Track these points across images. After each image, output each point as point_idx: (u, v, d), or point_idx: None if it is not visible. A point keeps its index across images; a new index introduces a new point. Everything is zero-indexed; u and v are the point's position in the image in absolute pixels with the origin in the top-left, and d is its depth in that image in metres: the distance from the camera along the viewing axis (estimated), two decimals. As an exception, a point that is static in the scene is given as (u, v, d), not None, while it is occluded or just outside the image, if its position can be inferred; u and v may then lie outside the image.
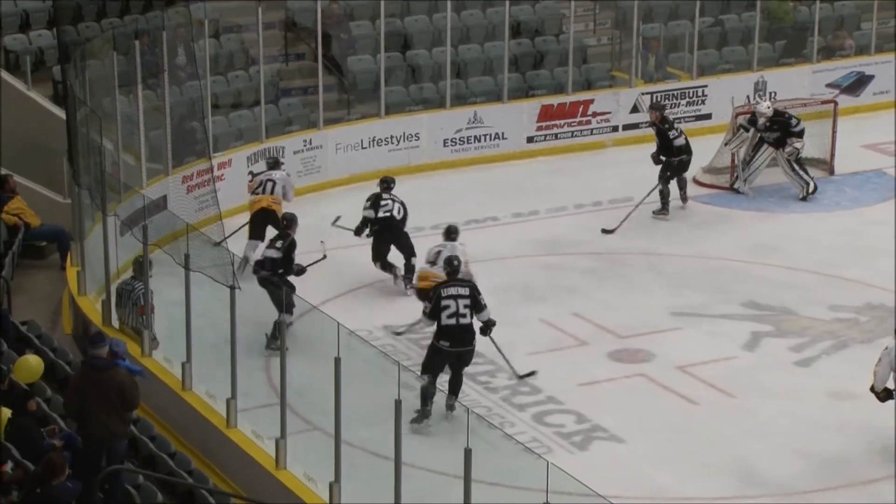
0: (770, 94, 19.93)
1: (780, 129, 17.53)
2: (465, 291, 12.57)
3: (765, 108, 17.57)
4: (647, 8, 20.51)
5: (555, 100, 19.47)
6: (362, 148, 18.48)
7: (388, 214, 15.25)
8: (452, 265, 12.96)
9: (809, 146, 18.19)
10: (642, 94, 19.69)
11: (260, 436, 11.45)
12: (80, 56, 14.97)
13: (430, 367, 12.48)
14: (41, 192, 16.79)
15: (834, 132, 18.47)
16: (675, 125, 17.28)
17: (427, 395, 12.20)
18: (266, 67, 17.98)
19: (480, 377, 13.39)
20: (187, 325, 12.25)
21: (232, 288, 11.39)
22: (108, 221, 13.66)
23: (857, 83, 20.59)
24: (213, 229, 13.38)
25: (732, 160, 18.02)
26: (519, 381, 13.28)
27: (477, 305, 12.56)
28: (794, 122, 17.59)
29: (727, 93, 19.67)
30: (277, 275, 13.54)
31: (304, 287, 13.83)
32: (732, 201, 17.45)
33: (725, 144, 17.93)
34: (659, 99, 19.56)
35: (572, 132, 19.51)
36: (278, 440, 11.05)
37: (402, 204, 15.36)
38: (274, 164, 16.27)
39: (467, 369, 13.36)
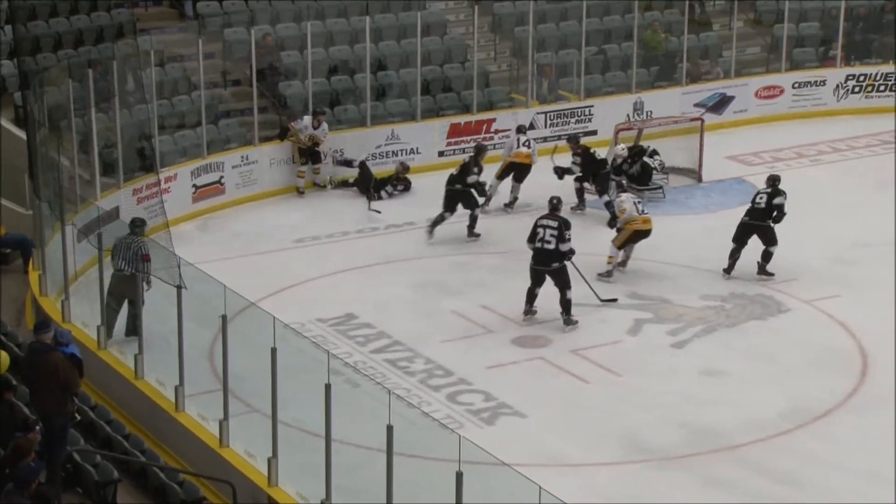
0: (647, 112, 20.06)
1: (640, 160, 17.74)
2: (554, 224, 13.81)
3: (620, 150, 17.68)
4: (540, 38, 20.56)
5: (462, 119, 19.42)
6: (293, 162, 18.31)
7: None
8: (552, 203, 14.19)
9: (680, 158, 18.33)
10: (537, 113, 19.75)
11: (205, 418, 11.26)
12: (38, 83, 14.68)
13: (530, 278, 13.91)
14: (6, 205, 16.37)
15: (701, 145, 18.59)
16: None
17: (528, 298, 13.95)
18: (206, 92, 17.72)
19: (400, 363, 13.30)
20: (139, 321, 12.01)
21: (178, 287, 11.21)
22: (66, 230, 13.38)
23: (720, 103, 20.76)
24: (161, 236, 13.17)
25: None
26: (602, 304, 14.24)
27: (561, 237, 13.69)
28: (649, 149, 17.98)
29: (611, 111, 19.75)
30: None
31: (244, 286, 13.62)
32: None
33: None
34: (552, 117, 19.69)
35: (477, 147, 19.46)
36: (221, 422, 10.87)
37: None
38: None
39: (389, 356, 13.37)
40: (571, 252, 13.90)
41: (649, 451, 11.65)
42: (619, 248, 15.19)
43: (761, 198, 15.15)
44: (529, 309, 14.06)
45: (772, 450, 11.56)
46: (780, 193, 15.08)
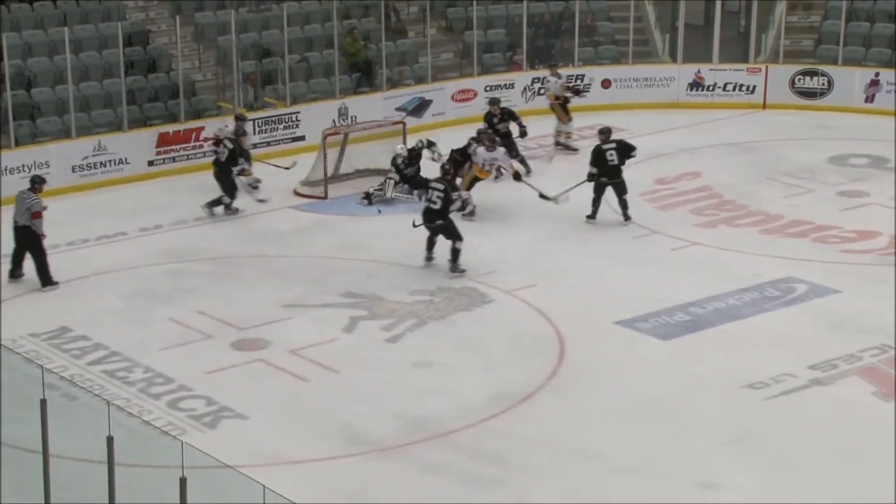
0: (352, 117, 20.26)
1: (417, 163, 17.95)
2: (441, 187, 15.16)
3: (399, 149, 17.83)
4: (243, 47, 20.40)
5: (171, 128, 19.03)
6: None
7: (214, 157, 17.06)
8: (443, 168, 15.69)
9: (385, 160, 18.45)
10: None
11: (-89, 445, 10.52)
12: None
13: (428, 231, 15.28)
14: None
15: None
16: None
17: (428, 246, 15.35)
18: None
19: (119, 373, 12.90)
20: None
21: None
22: None
23: (420, 107, 21.22)
24: None
25: (325, 174, 18.17)
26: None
27: (448, 199, 15.08)
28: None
29: (317, 117, 19.85)
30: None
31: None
32: (327, 208, 17.62)
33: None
34: (260, 124, 19.57)
35: (188, 155, 19.12)
36: (-69, 447, 10.20)
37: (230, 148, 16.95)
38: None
39: (106, 367, 13.01)
40: (463, 202, 15.32)
41: (368, 442, 11.77)
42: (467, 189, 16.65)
43: (611, 155, 16.37)
44: (429, 255, 15.36)
45: (482, 433, 11.89)
46: (628, 144, 16.63)
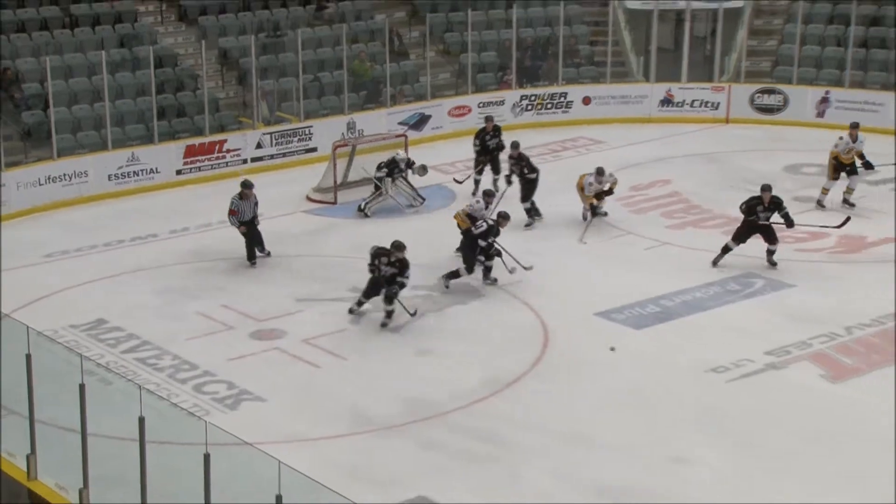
0: (359, 130, 20.24)
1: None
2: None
3: (403, 155, 17.64)
4: (261, 68, 20.40)
5: (196, 140, 19.02)
6: (40, 185, 17.42)
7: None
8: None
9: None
10: (263, 133, 19.58)
11: (-35, 425, 10.51)
12: None
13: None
14: None
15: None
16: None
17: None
18: (-48, 122, 16.62)
19: (149, 360, 12.90)
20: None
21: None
22: None
23: (420, 121, 21.21)
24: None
25: (335, 182, 18.16)
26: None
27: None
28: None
29: (328, 131, 19.83)
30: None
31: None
32: (336, 212, 17.61)
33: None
34: (276, 137, 19.55)
35: (212, 165, 19.12)
36: (-19, 426, 10.19)
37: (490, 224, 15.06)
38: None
39: (138, 355, 12.99)
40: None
41: (373, 422, 11.77)
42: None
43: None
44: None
45: (474, 415, 11.89)
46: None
